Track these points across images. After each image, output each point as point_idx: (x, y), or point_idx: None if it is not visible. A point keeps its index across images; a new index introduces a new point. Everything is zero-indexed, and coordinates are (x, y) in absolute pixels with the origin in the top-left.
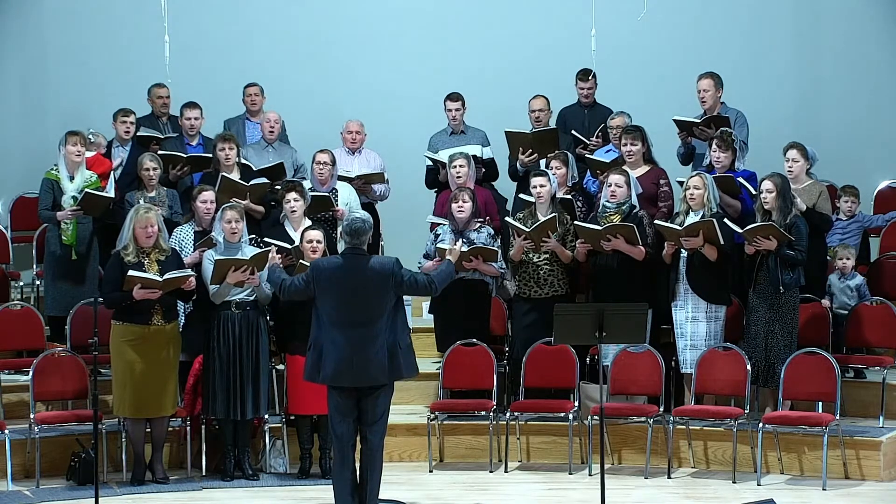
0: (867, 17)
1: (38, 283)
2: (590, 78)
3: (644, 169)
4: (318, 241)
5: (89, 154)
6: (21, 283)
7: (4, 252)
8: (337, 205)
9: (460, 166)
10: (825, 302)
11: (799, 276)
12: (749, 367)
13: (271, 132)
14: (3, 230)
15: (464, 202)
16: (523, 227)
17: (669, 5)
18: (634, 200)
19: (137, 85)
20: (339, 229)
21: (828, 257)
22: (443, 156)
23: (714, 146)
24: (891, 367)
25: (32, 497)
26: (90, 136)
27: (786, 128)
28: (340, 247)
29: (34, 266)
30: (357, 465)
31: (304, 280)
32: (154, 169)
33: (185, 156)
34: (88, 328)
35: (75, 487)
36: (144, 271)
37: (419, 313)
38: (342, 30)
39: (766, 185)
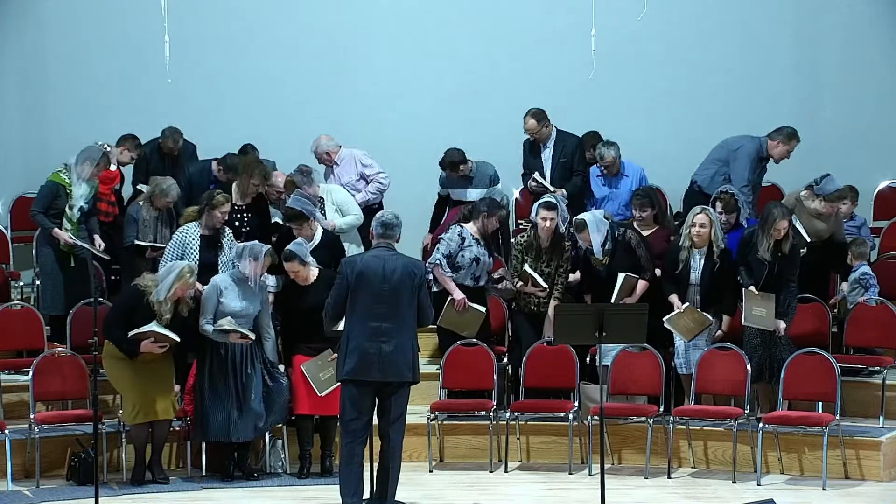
0: (867, 17)
1: (38, 283)
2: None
3: (652, 229)
4: (295, 272)
5: (111, 168)
6: (21, 283)
7: (4, 252)
8: (325, 210)
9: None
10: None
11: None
12: (749, 367)
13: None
14: (3, 230)
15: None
16: (542, 282)
17: (669, 5)
18: (609, 234)
19: (137, 85)
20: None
21: None
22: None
23: (720, 209)
24: (891, 367)
25: (32, 497)
26: (107, 149)
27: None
28: (350, 250)
29: (34, 266)
30: (366, 461)
31: (340, 282)
32: (173, 202)
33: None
34: (88, 328)
35: (75, 487)
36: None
37: None
38: (343, 32)
39: (783, 223)
